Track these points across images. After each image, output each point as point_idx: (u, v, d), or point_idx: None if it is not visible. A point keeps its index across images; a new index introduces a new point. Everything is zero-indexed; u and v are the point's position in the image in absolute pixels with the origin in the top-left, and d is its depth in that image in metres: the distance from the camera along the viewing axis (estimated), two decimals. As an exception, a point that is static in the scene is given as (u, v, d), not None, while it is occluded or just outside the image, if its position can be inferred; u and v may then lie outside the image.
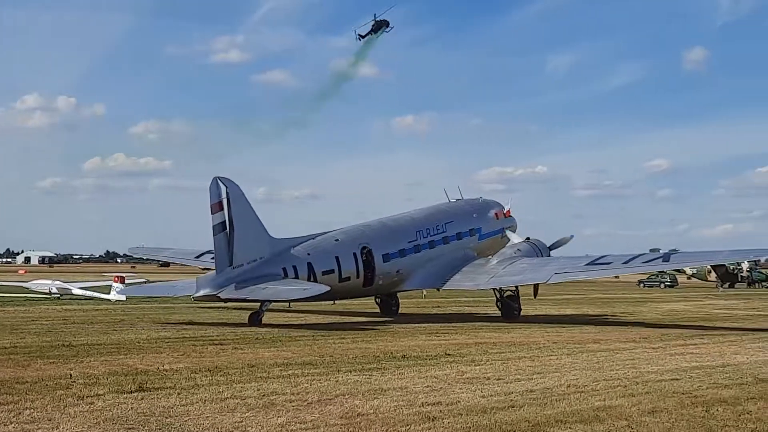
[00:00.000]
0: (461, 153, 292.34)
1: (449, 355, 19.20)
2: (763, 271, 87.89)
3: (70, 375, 15.06)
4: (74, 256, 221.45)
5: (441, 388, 14.22)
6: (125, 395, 13.00)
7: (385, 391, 13.82)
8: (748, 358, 19.30)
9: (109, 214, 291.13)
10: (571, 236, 37.49)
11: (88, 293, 41.20)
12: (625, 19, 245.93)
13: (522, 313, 33.16)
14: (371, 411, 11.96)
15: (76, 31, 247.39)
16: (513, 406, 12.44)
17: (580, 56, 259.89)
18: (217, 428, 10.79)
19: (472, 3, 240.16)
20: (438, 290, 34.44)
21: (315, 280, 29.43)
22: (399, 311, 35.25)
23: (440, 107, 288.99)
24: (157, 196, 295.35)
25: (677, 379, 15.51)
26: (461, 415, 11.77)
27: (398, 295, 35.59)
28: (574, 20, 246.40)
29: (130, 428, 10.74)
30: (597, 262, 32.83)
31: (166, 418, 11.35)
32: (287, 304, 31.34)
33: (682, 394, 13.78)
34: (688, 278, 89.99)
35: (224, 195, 27.82)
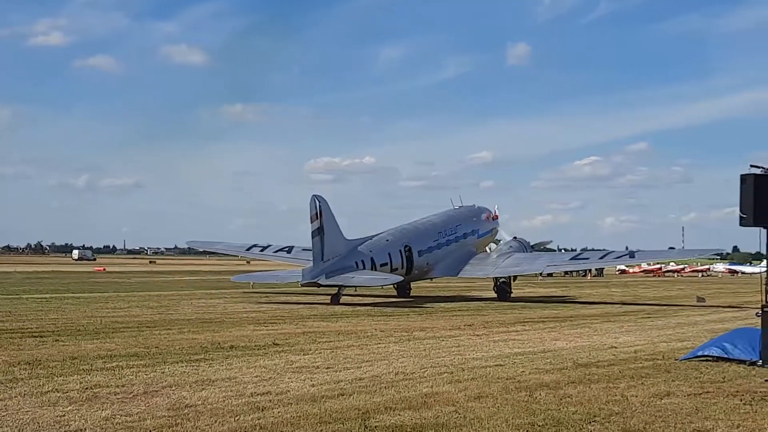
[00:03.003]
0: (292, 143, 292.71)
1: (277, 344, 19.13)
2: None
3: None
4: None
5: (270, 377, 14.15)
6: (-64, 391, 12.32)
7: (213, 381, 13.63)
8: (567, 344, 20.06)
9: None
10: (550, 240, 51.53)
11: None
12: (453, 13, 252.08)
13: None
14: (199, 402, 11.77)
15: None
16: (342, 395, 12.49)
17: (410, 49, 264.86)
18: (38, 423, 10.36)
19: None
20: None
21: (375, 271, 37.66)
22: (411, 293, 43.56)
23: (271, 97, 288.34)
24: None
25: (501, 365, 15.95)
26: (291, 404, 11.72)
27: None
28: (403, 13, 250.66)
29: (-59, 425, 10.20)
30: (578, 257, 44.00)
31: (-18, 414, 10.83)
32: (354, 288, 38.00)
33: (507, 379, 14.18)
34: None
35: (319, 208, 35.56)
